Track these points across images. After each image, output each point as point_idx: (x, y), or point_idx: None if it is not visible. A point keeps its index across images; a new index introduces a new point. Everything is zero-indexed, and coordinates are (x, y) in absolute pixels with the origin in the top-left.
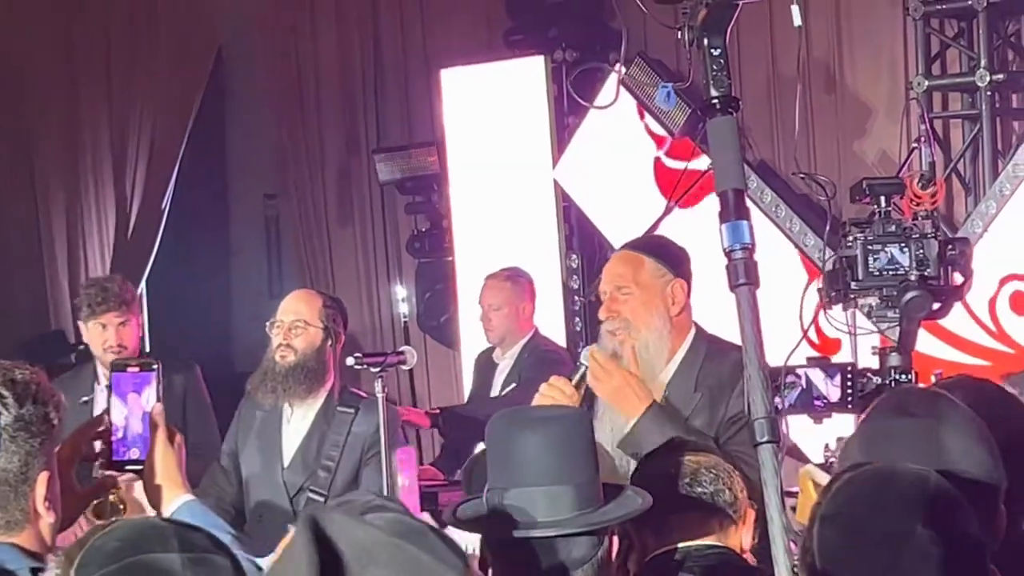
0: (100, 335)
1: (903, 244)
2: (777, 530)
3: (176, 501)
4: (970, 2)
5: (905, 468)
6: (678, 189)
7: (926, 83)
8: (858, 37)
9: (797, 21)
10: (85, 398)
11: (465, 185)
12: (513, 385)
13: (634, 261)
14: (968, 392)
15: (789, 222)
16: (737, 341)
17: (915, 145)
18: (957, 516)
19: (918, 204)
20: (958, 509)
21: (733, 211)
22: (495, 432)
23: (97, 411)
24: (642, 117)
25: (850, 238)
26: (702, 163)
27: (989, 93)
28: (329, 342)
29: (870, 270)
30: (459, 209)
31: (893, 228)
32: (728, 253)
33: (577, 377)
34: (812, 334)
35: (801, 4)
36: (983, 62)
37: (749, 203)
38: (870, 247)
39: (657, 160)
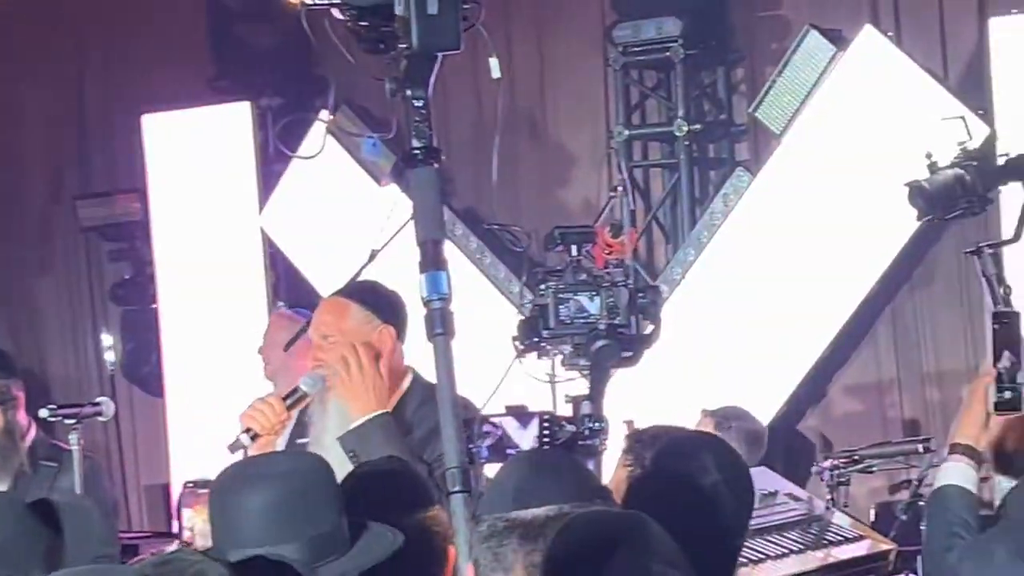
0: None
1: (593, 292)
2: None
3: None
4: (668, 54)
5: (623, 512)
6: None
7: (626, 132)
8: (561, 86)
9: (496, 73)
10: None
11: (170, 232)
12: None
13: (339, 308)
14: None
15: (494, 269)
16: None
17: (612, 194)
18: (677, 555)
19: (610, 252)
20: (676, 548)
21: (432, 262)
22: (218, 488)
23: None
24: None
25: (542, 287)
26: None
27: (687, 143)
28: (7, 412)
29: (561, 318)
30: (163, 256)
31: (584, 276)
32: (427, 303)
33: (293, 399)
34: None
35: (500, 54)
36: (681, 112)
37: (455, 250)
38: (560, 295)
39: None
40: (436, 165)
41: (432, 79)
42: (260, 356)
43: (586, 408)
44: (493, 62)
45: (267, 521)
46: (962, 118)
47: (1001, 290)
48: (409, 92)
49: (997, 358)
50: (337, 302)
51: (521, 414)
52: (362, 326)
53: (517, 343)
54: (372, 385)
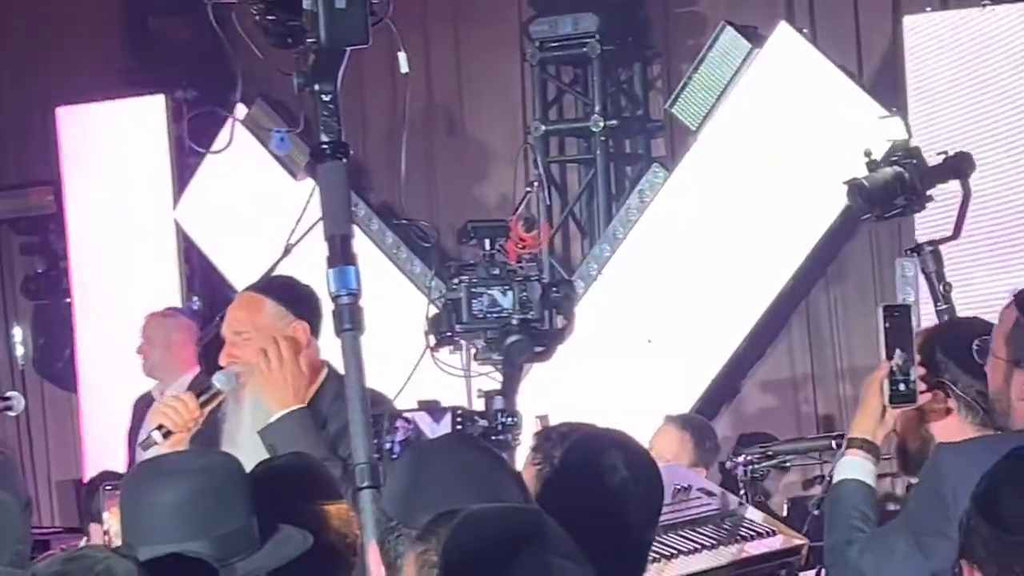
0: None
1: (506, 287)
2: None
3: None
4: (584, 50)
5: (516, 506)
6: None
7: (543, 128)
8: (478, 81)
9: (404, 68)
10: None
11: (84, 226)
12: None
13: (253, 304)
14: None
15: (410, 264)
16: None
17: (528, 189)
18: (575, 550)
19: (523, 247)
20: (572, 543)
21: (340, 257)
22: (128, 484)
23: None
24: None
25: (455, 280)
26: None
27: (603, 139)
28: None
29: (473, 312)
30: (77, 250)
31: (497, 271)
32: (335, 298)
33: (207, 396)
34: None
35: (417, 50)
36: (597, 108)
37: (371, 245)
38: (473, 289)
39: None
40: (344, 160)
41: (340, 74)
42: (139, 354)
43: (499, 403)
44: (401, 57)
45: (175, 518)
46: (897, 112)
47: (941, 287)
48: (317, 87)
49: (890, 353)
50: (251, 298)
51: (434, 409)
52: (276, 322)
53: (429, 337)
54: (291, 380)
